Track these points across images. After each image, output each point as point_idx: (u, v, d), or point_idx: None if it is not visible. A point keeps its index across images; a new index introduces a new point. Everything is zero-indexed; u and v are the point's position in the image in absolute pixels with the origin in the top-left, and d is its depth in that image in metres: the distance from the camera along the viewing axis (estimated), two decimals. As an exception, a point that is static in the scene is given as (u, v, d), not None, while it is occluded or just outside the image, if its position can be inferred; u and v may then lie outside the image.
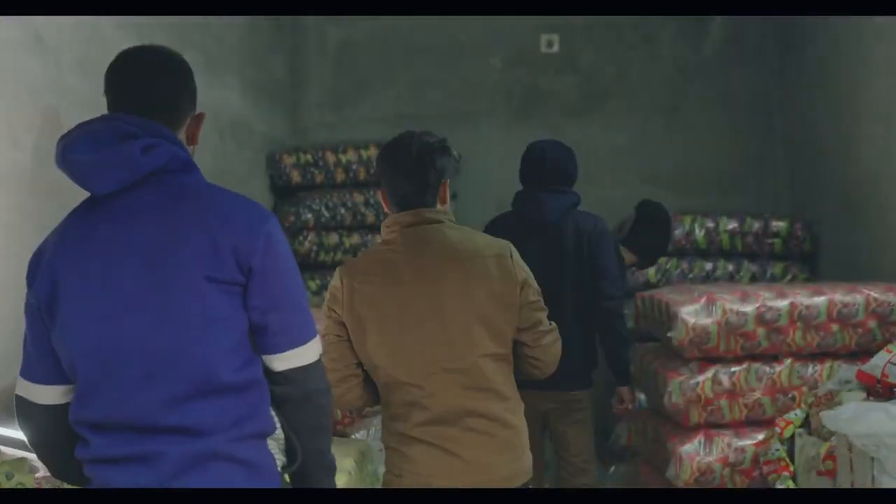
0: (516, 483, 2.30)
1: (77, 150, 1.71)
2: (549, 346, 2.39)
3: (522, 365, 2.39)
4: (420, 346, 2.26)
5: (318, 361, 1.79)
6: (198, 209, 1.71)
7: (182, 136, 1.87)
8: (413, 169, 2.38)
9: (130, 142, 1.69)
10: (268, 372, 1.73)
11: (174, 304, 1.64)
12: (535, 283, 2.37)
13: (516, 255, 2.37)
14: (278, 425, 1.75)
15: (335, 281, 2.36)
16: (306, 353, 1.75)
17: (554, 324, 2.42)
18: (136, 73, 1.79)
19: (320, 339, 1.81)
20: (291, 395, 1.75)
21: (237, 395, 1.67)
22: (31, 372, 1.76)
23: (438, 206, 2.40)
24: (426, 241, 2.35)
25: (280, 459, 1.76)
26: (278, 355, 1.72)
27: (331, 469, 1.88)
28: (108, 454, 1.66)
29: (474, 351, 2.26)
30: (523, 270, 2.36)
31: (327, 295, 2.38)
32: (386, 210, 2.50)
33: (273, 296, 1.71)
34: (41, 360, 1.76)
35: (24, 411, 1.77)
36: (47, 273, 1.77)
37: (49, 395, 1.74)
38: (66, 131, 1.77)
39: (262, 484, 1.69)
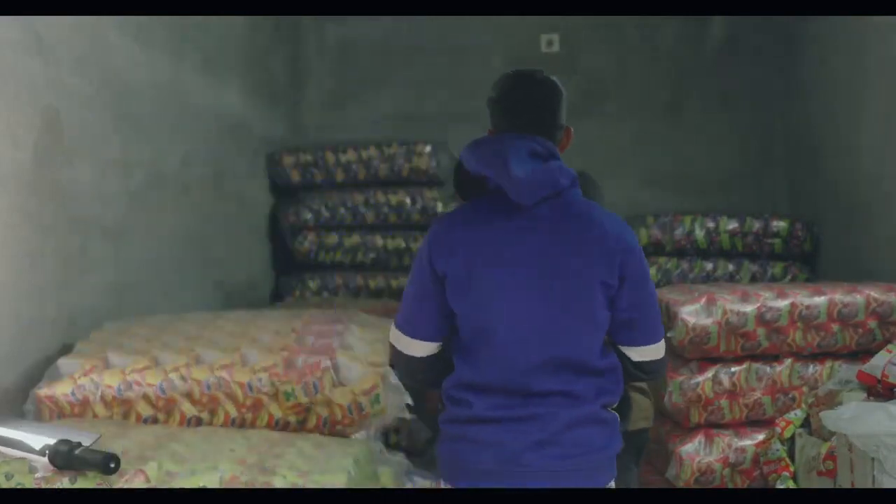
0: None
1: (511, 165, 2.00)
2: None
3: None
4: None
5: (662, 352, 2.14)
6: (589, 224, 2.03)
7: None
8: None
9: (543, 160, 2.04)
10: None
11: (567, 301, 2.00)
12: None
13: None
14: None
15: None
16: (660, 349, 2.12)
17: None
18: (529, 96, 2.13)
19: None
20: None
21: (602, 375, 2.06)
22: (411, 329, 2.07)
23: None
24: None
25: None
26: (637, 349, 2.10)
27: None
28: (490, 415, 2.00)
29: None
30: None
31: None
32: None
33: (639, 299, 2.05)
34: (423, 319, 2.06)
35: (397, 359, 2.13)
36: (451, 250, 2.03)
37: (423, 349, 2.07)
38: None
39: (613, 437, 2.07)
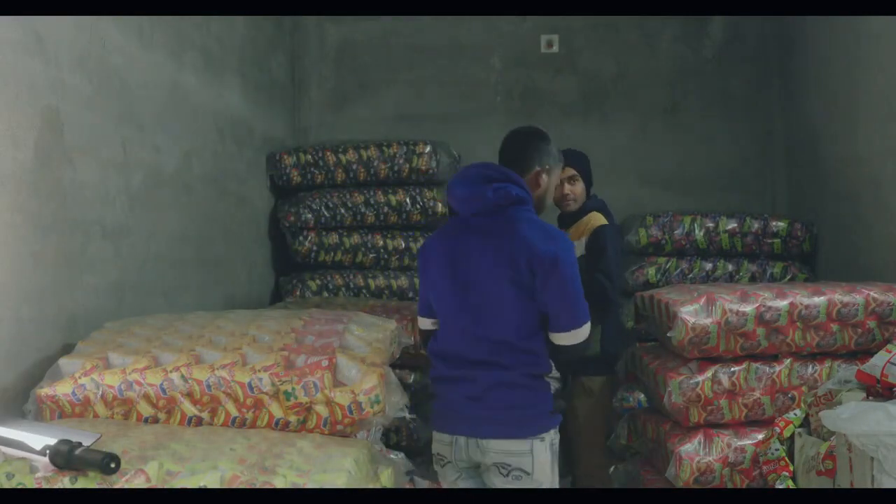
0: None
1: (456, 186, 2.80)
2: None
3: None
4: None
5: (577, 330, 2.74)
6: (513, 237, 2.70)
7: (529, 180, 2.88)
8: None
9: (488, 184, 2.74)
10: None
11: (486, 296, 2.71)
12: None
13: None
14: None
15: None
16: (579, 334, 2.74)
17: None
18: (510, 139, 2.97)
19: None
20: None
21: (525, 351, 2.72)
22: (420, 311, 2.96)
23: None
24: None
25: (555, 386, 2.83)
26: (559, 334, 2.73)
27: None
28: (445, 375, 2.80)
29: None
30: None
31: None
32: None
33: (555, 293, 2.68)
34: (423, 303, 2.94)
35: (420, 330, 3.01)
36: (426, 254, 2.89)
37: (425, 324, 2.95)
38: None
39: (538, 399, 2.74)
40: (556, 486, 2.83)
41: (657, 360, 3.79)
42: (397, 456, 2.99)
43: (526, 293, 2.67)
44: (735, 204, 5.48)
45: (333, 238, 5.35)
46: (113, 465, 2.06)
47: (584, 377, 3.87)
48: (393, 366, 3.10)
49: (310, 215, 5.30)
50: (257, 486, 2.17)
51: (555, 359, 2.80)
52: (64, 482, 2.05)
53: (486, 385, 2.71)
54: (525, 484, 2.71)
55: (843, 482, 2.70)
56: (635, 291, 4.26)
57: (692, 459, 3.50)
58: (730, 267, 5.12)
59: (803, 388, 3.56)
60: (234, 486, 2.16)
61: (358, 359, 2.78)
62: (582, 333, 2.74)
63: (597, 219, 3.88)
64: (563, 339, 2.73)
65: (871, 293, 3.60)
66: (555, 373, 2.83)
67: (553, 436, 2.79)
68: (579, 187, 3.99)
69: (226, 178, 4.66)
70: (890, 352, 2.87)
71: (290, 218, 5.32)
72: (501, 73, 5.92)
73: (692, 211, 5.26)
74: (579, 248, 3.85)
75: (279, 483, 2.19)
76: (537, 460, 2.71)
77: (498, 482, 2.72)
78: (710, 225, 5.15)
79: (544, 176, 2.92)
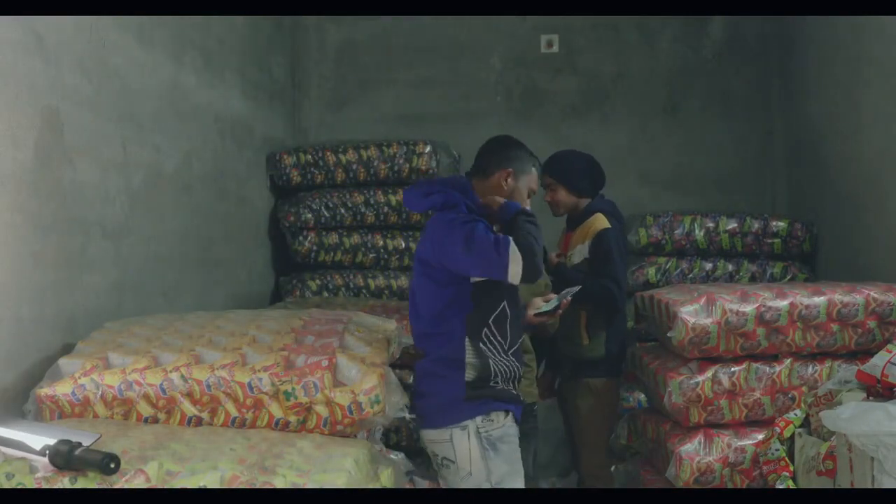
0: None
1: (407, 192, 3.12)
2: None
3: None
4: None
5: (508, 268, 2.72)
6: (425, 231, 3.00)
7: (487, 184, 3.06)
8: None
9: (423, 191, 3.01)
10: None
11: (414, 289, 2.99)
12: None
13: None
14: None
15: None
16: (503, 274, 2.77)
17: None
18: (480, 148, 3.20)
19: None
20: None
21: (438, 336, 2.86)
22: None
23: None
24: None
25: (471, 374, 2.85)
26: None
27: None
28: None
29: None
30: None
31: None
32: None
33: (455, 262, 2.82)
34: None
35: None
36: None
37: None
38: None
39: (449, 387, 2.82)
40: (496, 475, 2.81)
41: (657, 360, 3.79)
42: (397, 456, 2.99)
43: (436, 280, 2.86)
44: (735, 204, 5.47)
45: (333, 238, 5.35)
46: (113, 466, 2.06)
47: (587, 378, 3.88)
48: (393, 366, 3.09)
49: (310, 215, 5.30)
50: (257, 486, 2.17)
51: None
52: (64, 482, 2.05)
53: (416, 375, 2.98)
54: (452, 472, 2.81)
55: (844, 482, 2.70)
56: (635, 291, 4.26)
57: (692, 459, 3.50)
58: (730, 267, 5.12)
59: (803, 388, 3.56)
60: (234, 486, 2.16)
61: (358, 359, 2.77)
62: (517, 265, 2.71)
63: (600, 221, 3.88)
64: (513, 277, 2.73)
65: (871, 293, 3.60)
66: (470, 357, 2.82)
67: (482, 424, 2.81)
68: (560, 194, 4.02)
69: (226, 178, 4.66)
70: (890, 352, 2.87)
71: (290, 218, 5.32)
72: (501, 73, 5.92)
73: (692, 211, 5.26)
74: (582, 251, 3.86)
75: (279, 483, 2.19)
76: (459, 449, 2.81)
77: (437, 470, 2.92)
78: (710, 225, 5.15)
79: (509, 180, 3.04)
